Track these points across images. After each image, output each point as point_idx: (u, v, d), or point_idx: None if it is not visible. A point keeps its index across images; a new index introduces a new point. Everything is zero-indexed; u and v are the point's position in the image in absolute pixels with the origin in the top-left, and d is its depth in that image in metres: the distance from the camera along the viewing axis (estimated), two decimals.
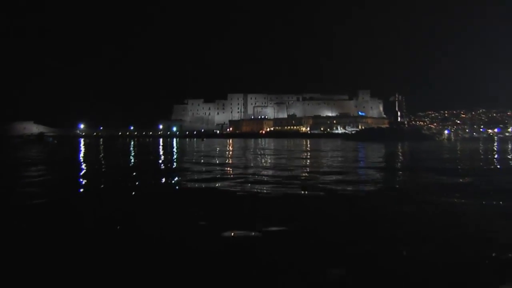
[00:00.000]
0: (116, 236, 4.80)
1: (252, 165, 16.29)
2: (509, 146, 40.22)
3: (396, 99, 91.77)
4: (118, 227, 5.18)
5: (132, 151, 32.40)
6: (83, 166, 16.63)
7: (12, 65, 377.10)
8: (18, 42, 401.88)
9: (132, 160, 20.55)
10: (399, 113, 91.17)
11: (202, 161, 18.90)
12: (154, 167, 15.96)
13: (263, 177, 11.30)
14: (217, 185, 9.53)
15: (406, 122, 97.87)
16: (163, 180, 11.18)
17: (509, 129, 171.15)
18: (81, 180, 11.28)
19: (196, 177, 11.27)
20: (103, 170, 14.82)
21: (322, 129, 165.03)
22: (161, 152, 28.77)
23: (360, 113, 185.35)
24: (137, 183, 10.47)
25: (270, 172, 12.77)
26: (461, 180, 10.57)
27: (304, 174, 12.41)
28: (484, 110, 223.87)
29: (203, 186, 9.41)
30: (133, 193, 8.68)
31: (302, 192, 8.39)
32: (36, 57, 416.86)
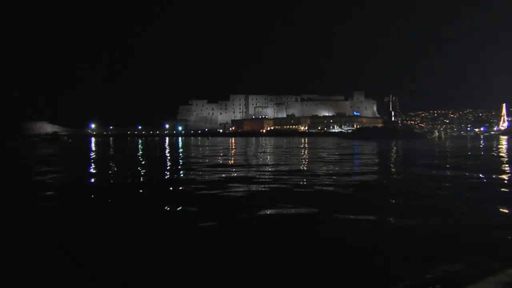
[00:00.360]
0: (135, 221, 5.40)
1: (254, 161, 16.89)
2: (494, 144, 41.05)
3: (391, 100, 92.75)
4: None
5: (151, 149, 32.97)
6: (105, 162, 17.55)
7: (24, 67, 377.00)
8: (26, 43, 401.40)
9: (157, 157, 21.23)
10: (393, 113, 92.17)
11: (212, 156, 19.55)
12: (180, 160, 16.74)
13: (265, 171, 11.82)
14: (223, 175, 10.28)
15: (399, 122, 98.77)
16: (181, 173, 11.64)
17: (494, 128, 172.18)
18: (104, 173, 12.14)
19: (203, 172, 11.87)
20: (114, 167, 15.48)
21: (319, 128, 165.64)
22: (179, 150, 29.41)
23: (355, 113, 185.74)
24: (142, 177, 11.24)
25: (271, 168, 13.20)
26: (448, 173, 11.30)
27: (303, 168, 13.04)
28: (470, 110, 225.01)
29: (210, 177, 10.04)
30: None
31: (301, 183, 9.02)
32: (47, 58, 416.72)
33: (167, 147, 36.38)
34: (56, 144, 52.06)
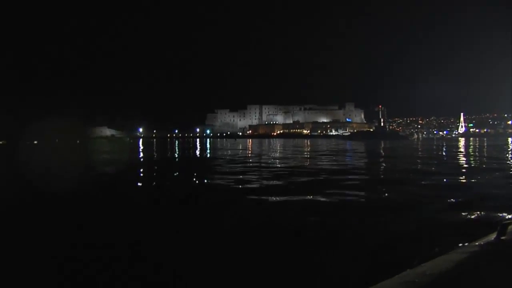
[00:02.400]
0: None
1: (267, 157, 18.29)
2: (454, 143, 45.99)
3: (380, 109, 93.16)
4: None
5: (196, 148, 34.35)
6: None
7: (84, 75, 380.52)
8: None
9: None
10: (382, 120, 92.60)
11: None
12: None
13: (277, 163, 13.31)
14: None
15: (387, 127, 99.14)
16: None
17: (454, 132, 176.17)
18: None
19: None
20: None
21: (319, 131, 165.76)
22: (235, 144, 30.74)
23: (347, 119, 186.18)
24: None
25: (281, 161, 14.66)
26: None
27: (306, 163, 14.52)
28: (435, 117, 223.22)
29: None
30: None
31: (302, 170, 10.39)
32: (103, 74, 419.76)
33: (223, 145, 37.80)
34: (120, 143, 54.08)
